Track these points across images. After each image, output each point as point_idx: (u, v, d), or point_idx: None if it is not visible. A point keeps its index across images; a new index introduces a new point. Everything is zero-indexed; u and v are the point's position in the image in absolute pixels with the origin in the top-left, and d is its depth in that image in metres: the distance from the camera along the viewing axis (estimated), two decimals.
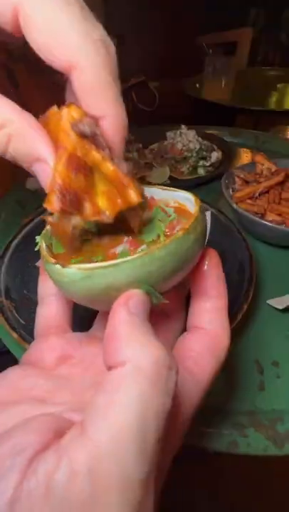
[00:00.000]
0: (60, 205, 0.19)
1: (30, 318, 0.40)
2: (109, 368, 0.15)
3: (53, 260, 0.19)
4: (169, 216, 0.25)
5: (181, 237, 0.19)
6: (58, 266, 0.19)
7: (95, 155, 0.19)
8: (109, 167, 0.20)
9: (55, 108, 0.20)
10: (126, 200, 0.20)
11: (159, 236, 0.23)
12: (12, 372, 0.20)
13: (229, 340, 0.21)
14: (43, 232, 0.23)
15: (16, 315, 0.39)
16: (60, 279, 0.19)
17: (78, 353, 0.22)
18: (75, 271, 0.18)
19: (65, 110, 0.19)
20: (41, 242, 0.22)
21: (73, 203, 0.19)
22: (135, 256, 0.18)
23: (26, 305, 0.41)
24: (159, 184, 0.45)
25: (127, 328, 0.16)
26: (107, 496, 0.12)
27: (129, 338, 0.16)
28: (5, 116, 0.18)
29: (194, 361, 0.20)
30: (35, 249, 0.22)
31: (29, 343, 0.35)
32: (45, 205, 0.19)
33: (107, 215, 0.20)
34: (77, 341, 0.23)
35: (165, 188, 0.26)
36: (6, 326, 0.37)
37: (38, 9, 0.18)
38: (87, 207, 0.20)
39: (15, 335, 0.36)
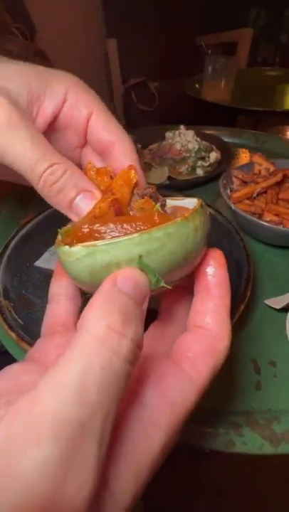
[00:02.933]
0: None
1: (28, 318, 0.40)
2: None
3: (62, 243, 0.21)
4: None
5: (180, 221, 0.20)
6: (66, 247, 0.21)
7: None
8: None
9: (91, 165, 0.26)
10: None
11: None
12: (15, 368, 0.21)
13: (229, 342, 0.21)
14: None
15: (15, 315, 0.39)
16: (67, 260, 0.21)
17: None
18: (79, 248, 0.20)
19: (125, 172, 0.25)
20: (58, 235, 0.24)
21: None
22: (135, 234, 0.19)
23: (24, 305, 0.41)
24: (156, 184, 0.46)
25: (100, 298, 0.17)
26: (39, 433, 0.13)
27: (95, 307, 0.16)
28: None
29: (192, 362, 0.20)
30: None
31: (27, 342, 0.36)
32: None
33: None
34: None
35: (174, 198, 0.27)
36: (5, 325, 0.38)
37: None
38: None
39: (13, 335, 0.37)
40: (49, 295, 0.26)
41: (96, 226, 0.21)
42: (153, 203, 0.23)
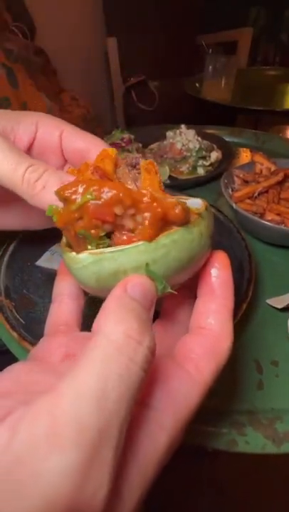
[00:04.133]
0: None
1: (29, 317, 0.40)
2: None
3: (69, 249, 0.22)
4: None
5: (185, 227, 0.20)
6: (72, 253, 0.21)
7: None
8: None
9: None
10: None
11: None
12: (17, 367, 0.21)
13: (232, 343, 0.21)
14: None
15: (16, 314, 0.39)
16: (74, 266, 0.21)
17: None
18: (86, 255, 0.20)
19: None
20: (63, 239, 0.24)
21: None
22: (141, 242, 0.19)
23: (26, 304, 0.41)
24: None
25: (113, 304, 0.17)
26: (61, 437, 0.13)
27: (110, 312, 0.17)
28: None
29: (194, 363, 0.20)
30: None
31: (29, 342, 0.35)
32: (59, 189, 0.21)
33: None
34: (82, 340, 0.24)
35: (178, 197, 0.27)
36: (6, 325, 0.38)
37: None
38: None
39: (14, 334, 0.36)
40: (53, 294, 0.27)
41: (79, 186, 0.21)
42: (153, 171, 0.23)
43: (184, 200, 0.26)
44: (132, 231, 0.21)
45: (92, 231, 0.21)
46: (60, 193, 0.21)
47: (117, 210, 0.20)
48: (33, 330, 0.38)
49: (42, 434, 0.13)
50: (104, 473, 0.13)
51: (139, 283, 0.19)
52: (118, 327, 0.16)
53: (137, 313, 0.17)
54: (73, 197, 0.20)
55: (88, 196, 0.20)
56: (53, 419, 0.13)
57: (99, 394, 0.14)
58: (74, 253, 0.21)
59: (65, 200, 0.21)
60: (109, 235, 0.21)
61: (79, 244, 0.22)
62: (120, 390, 0.14)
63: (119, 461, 0.15)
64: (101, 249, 0.20)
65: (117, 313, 0.17)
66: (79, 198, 0.20)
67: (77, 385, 0.14)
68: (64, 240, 0.23)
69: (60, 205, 0.22)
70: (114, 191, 0.20)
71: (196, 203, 0.25)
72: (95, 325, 0.17)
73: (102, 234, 0.21)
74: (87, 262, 0.20)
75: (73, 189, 0.20)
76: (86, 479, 0.13)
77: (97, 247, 0.21)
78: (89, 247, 0.21)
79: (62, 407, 0.13)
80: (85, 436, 0.13)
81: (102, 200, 0.20)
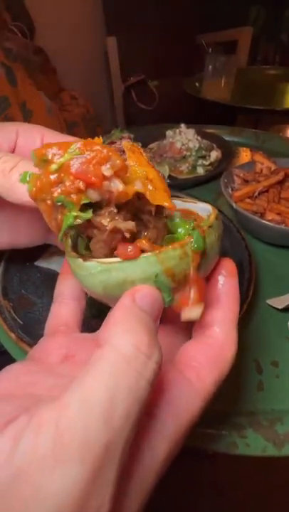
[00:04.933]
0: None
1: (27, 318, 0.39)
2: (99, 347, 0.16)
3: (76, 255, 0.21)
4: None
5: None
6: (80, 260, 0.20)
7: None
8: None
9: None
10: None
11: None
12: (16, 367, 0.20)
13: (235, 352, 0.21)
14: (70, 232, 0.23)
15: (14, 315, 0.39)
16: (80, 272, 0.21)
17: (82, 353, 0.23)
18: (94, 264, 0.19)
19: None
20: (67, 241, 0.22)
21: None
22: (150, 253, 0.19)
23: (24, 305, 0.41)
24: None
25: (121, 314, 0.17)
26: (67, 451, 0.12)
27: (119, 322, 0.17)
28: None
29: (197, 372, 0.19)
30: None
31: (27, 343, 0.35)
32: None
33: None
34: (82, 342, 0.23)
35: (185, 200, 0.27)
36: (4, 326, 0.37)
37: None
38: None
39: (12, 335, 0.36)
40: (54, 294, 0.26)
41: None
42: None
43: (192, 204, 0.26)
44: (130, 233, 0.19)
45: (73, 196, 0.18)
46: (38, 153, 0.18)
47: (106, 171, 0.18)
48: (31, 331, 0.37)
49: (46, 447, 0.12)
50: (108, 488, 0.13)
51: (148, 293, 0.19)
52: (127, 338, 0.16)
53: (146, 324, 0.17)
54: (55, 158, 0.18)
55: (71, 151, 0.18)
56: (58, 431, 0.13)
57: (107, 408, 0.13)
58: (81, 260, 0.20)
59: (44, 161, 0.19)
60: (94, 209, 0.19)
61: (56, 217, 0.20)
62: (128, 403, 0.14)
63: (121, 478, 0.14)
64: (110, 259, 0.19)
65: (125, 323, 0.16)
66: (60, 158, 0.18)
67: (85, 395, 0.14)
68: (69, 243, 0.22)
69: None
70: (103, 148, 0.18)
71: (205, 209, 0.25)
72: (102, 333, 0.16)
73: (86, 201, 0.19)
74: (94, 271, 0.20)
75: (54, 149, 0.18)
76: (89, 496, 0.13)
77: (76, 219, 0.19)
78: (70, 219, 0.19)
79: (68, 419, 0.13)
80: (90, 451, 0.13)
81: (88, 156, 0.18)
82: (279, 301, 0.43)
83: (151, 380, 0.15)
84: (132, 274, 0.19)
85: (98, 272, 0.19)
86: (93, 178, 0.18)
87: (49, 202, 0.19)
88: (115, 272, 0.19)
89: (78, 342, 0.23)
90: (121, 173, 0.19)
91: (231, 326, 0.21)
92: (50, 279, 0.43)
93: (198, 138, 0.73)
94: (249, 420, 0.32)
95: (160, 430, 0.17)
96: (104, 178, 0.18)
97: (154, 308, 0.18)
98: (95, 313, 0.34)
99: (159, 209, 0.22)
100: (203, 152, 0.71)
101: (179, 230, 0.22)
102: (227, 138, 0.82)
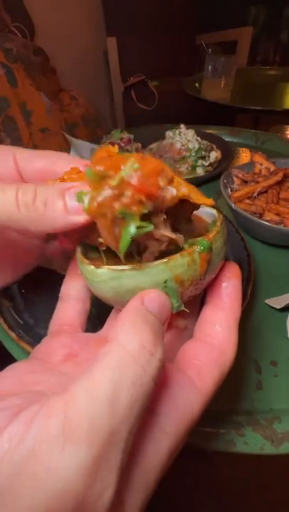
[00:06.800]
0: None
1: (27, 317, 0.40)
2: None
3: (87, 261, 0.21)
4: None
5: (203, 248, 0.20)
6: (91, 267, 0.21)
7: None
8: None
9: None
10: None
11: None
12: (19, 366, 0.21)
13: (235, 353, 0.21)
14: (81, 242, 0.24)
15: (14, 314, 0.39)
16: (92, 279, 0.21)
17: (85, 353, 0.23)
18: (106, 271, 0.20)
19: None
20: (78, 247, 0.23)
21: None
22: (160, 262, 0.19)
23: (24, 304, 0.41)
24: None
25: (130, 314, 0.18)
26: (75, 435, 0.13)
27: (126, 321, 0.17)
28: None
29: (198, 370, 0.20)
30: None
31: (27, 342, 0.35)
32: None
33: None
34: (85, 341, 0.24)
35: None
36: (4, 325, 0.38)
37: None
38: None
39: (13, 334, 0.36)
40: (60, 294, 0.27)
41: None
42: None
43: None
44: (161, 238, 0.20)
45: (134, 208, 0.18)
46: (93, 170, 0.18)
47: (161, 181, 0.19)
48: (31, 330, 0.38)
49: (56, 430, 0.13)
50: (112, 474, 0.14)
51: (156, 297, 0.19)
52: (134, 336, 0.16)
53: (152, 325, 0.17)
54: (111, 172, 0.18)
55: (134, 165, 0.18)
56: (67, 417, 0.14)
57: (112, 398, 0.14)
58: (92, 267, 0.21)
59: (102, 176, 0.18)
60: (149, 218, 0.20)
61: (113, 231, 0.20)
62: (132, 397, 0.15)
63: (125, 466, 0.15)
64: (121, 267, 0.20)
65: (133, 322, 0.17)
66: (118, 173, 0.18)
67: (91, 387, 0.14)
68: (79, 250, 0.23)
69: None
70: (155, 161, 0.18)
71: (208, 213, 0.26)
72: (111, 332, 0.17)
73: (145, 212, 0.19)
74: (106, 278, 0.20)
75: (107, 163, 0.18)
76: (95, 478, 0.13)
77: (139, 230, 0.19)
78: (132, 230, 0.19)
79: (76, 407, 0.14)
80: (96, 436, 0.13)
81: (147, 169, 0.18)
82: (277, 301, 0.43)
83: (155, 376, 0.16)
84: (143, 282, 0.20)
85: (110, 279, 0.20)
86: (153, 189, 0.18)
87: (109, 216, 0.19)
88: (126, 279, 0.20)
89: (81, 342, 0.24)
90: (171, 182, 0.20)
91: (233, 327, 0.21)
92: (51, 279, 0.44)
93: (198, 138, 0.73)
94: (248, 419, 0.32)
95: (162, 427, 0.17)
96: (160, 188, 0.19)
97: (162, 311, 0.19)
98: (98, 312, 0.34)
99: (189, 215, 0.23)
100: (203, 153, 0.71)
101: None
102: (226, 138, 0.82)
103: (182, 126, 0.76)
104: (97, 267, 0.20)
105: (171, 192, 0.20)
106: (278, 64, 2.04)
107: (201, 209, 0.26)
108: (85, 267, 0.22)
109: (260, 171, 0.58)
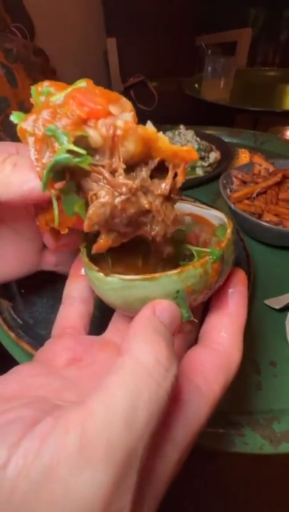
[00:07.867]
0: None
1: (27, 317, 0.40)
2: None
3: (96, 268, 0.21)
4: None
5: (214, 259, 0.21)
6: (100, 274, 0.20)
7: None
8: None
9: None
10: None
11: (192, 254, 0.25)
12: (22, 368, 0.21)
13: (240, 360, 0.21)
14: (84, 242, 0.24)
15: (14, 315, 0.39)
16: (101, 286, 0.21)
17: (88, 357, 0.23)
18: (116, 280, 0.20)
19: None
20: (82, 249, 0.23)
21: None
22: (172, 272, 0.19)
23: (23, 305, 0.41)
24: None
25: (142, 325, 0.17)
26: (93, 453, 0.13)
27: (139, 333, 0.17)
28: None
29: (204, 376, 0.20)
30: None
31: (27, 342, 0.35)
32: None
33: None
34: (89, 344, 0.24)
35: (198, 205, 0.27)
36: (4, 326, 0.38)
37: None
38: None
39: (12, 335, 0.36)
40: (63, 296, 0.27)
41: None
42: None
43: (205, 210, 0.26)
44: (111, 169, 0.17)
45: (68, 126, 0.16)
46: (36, 88, 0.17)
47: (113, 109, 0.16)
48: (31, 331, 0.38)
49: (74, 446, 0.13)
50: (128, 494, 0.13)
51: (168, 307, 0.19)
52: (148, 349, 0.16)
53: (164, 337, 0.17)
54: (53, 89, 0.17)
55: (81, 84, 0.17)
56: (84, 434, 0.13)
57: (129, 413, 0.14)
58: (102, 274, 0.20)
59: (46, 94, 0.17)
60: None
61: (41, 150, 0.17)
62: (148, 412, 0.14)
63: (138, 483, 0.14)
64: (132, 276, 0.20)
65: (145, 334, 0.17)
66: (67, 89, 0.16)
67: (108, 401, 0.14)
68: (85, 253, 0.23)
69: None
70: (114, 93, 0.17)
71: (217, 217, 0.25)
72: (124, 344, 0.17)
73: (82, 134, 0.16)
74: (116, 286, 0.20)
75: (52, 88, 0.17)
76: (112, 500, 0.13)
77: (69, 156, 0.16)
78: (60, 153, 0.16)
79: (93, 423, 0.13)
80: (114, 455, 0.13)
81: (98, 90, 0.17)
82: (277, 302, 0.43)
83: (170, 391, 0.16)
84: (154, 292, 0.20)
85: (120, 287, 0.20)
86: (99, 108, 0.15)
87: (39, 134, 0.16)
88: (136, 289, 0.20)
89: (85, 345, 0.24)
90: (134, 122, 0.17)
91: (238, 331, 0.22)
92: (51, 279, 0.44)
93: (198, 139, 0.73)
94: (247, 419, 0.33)
95: (172, 439, 0.17)
96: (107, 113, 0.16)
97: (173, 322, 0.19)
98: (101, 314, 0.34)
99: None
100: (202, 153, 0.71)
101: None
102: (226, 139, 0.82)
103: (182, 126, 0.76)
104: (107, 274, 0.20)
105: (125, 117, 0.16)
106: (278, 65, 2.04)
107: (208, 212, 0.26)
108: (93, 274, 0.21)
109: (260, 172, 0.58)
